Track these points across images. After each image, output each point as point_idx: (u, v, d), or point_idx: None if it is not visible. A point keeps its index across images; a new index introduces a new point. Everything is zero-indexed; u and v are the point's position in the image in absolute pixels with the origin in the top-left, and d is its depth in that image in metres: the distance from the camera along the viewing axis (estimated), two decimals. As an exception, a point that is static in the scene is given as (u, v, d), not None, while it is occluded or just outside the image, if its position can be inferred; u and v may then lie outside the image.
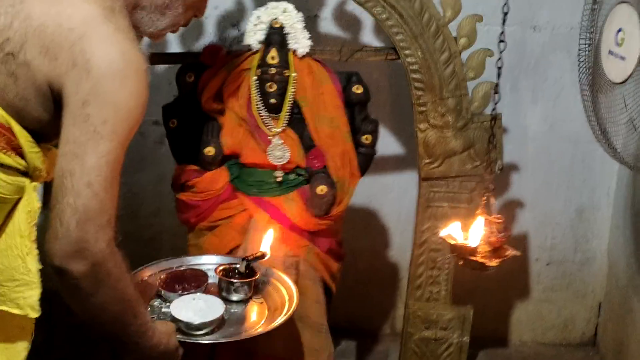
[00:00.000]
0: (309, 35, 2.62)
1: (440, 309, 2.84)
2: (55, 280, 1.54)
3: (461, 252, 2.40)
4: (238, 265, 2.12)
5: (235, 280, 2.08)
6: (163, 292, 2.06)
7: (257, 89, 2.59)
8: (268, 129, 2.60)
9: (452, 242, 2.40)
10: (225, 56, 2.65)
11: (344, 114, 2.65)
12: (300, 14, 2.62)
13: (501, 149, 2.71)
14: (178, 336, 1.83)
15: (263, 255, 2.17)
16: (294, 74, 2.59)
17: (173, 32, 1.97)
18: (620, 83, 2.18)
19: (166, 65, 3.04)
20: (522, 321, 3.58)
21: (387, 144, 3.27)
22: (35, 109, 1.59)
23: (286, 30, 2.58)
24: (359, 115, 2.68)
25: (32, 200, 1.66)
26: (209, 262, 2.27)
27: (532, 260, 3.50)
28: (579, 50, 2.45)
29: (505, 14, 2.52)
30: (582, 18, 2.44)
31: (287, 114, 2.61)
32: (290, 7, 2.61)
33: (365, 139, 2.68)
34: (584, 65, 2.44)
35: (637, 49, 2.08)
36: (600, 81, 2.31)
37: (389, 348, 3.44)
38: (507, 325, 3.58)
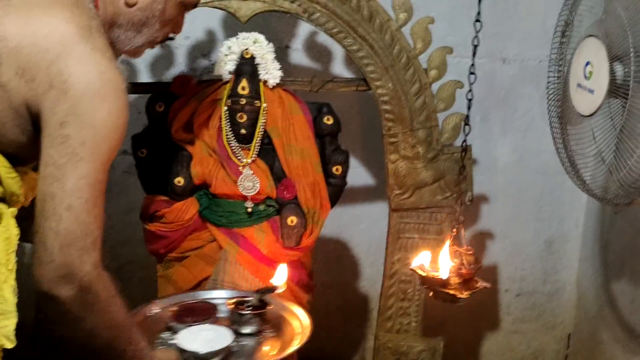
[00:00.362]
0: (280, 66, 2.63)
1: (410, 341, 2.83)
2: (44, 307, 1.51)
3: (432, 284, 2.39)
4: (250, 298, 2.09)
5: (245, 312, 2.05)
6: (172, 323, 2.03)
7: (228, 119, 2.58)
8: (238, 159, 2.59)
9: (423, 274, 2.40)
10: (196, 86, 2.64)
11: (315, 144, 2.64)
12: (271, 45, 2.62)
13: (471, 180, 2.72)
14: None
15: (275, 289, 2.15)
16: (264, 105, 2.58)
17: (150, 47, 1.95)
18: (589, 116, 2.20)
19: (136, 95, 3.02)
20: (492, 352, 3.58)
21: (358, 174, 3.27)
22: (12, 132, 1.56)
23: (257, 60, 2.58)
24: (329, 146, 2.68)
25: (10, 226, 1.63)
26: (222, 297, 2.25)
27: (502, 291, 3.51)
28: (548, 82, 2.47)
29: (475, 46, 2.54)
30: (550, 51, 2.46)
31: (258, 144, 2.60)
32: (261, 37, 2.61)
33: (336, 170, 2.68)
34: (553, 98, 2.46)
35: (605, 82, 2.10)
36: (569, 114, 2.33)
37: (359, 380, 3.42)
38: (477, 356, 3.58)
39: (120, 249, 3.41)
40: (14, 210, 1.65)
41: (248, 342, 2.02)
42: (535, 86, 3.26)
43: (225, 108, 2.58)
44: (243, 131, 2.57)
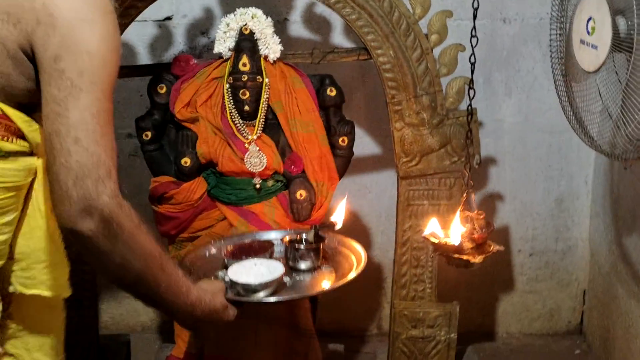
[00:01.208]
0: (280, 40, 2.61)
1: (426, 307, 2.83)
2: (74, 245, 1.49)
3: (445, 251, 2.39)
4: (306, 235, 2.06)
5: (300, 247, 2.02)
6: (227, 260, 2.01)
7: (230, 96, 2.57)
8: (244, 136, 2.58)
9: (435, 241, 2.39)
10: (196, 65, 2.63)
11: (319, 117, 2.64)
12: (270, 19, 2.61)
13: (478, 143, 2.71)
14: (228, 295, 1.78)
15: (333, 225, 2.12)
16: (266, 80, 2.57)
17: None
18: (594, 72, 2.18)
19: (136, 77, 3.00)
20: (508, 313, 3.58)
21: (364, 143, 3.26)
22: (19, 81, 1.53)
23: (256, 36, 2.57)
24: (334, 118, 2.67)
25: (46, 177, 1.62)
26: (279, 236, 2.22)
27: (514, 252, 3.50)
28: (550, 40, 2.45)
29: (476, 9, 2.52)
30: (551, 8, 2.44)
31: (262, 120, 2.59)
32: (259, 12, 2.59)
33: (342, 141, 2.67)
34: (556, 56, 2.44)
35: (608, 37, 2.08)
36: (574, 71, 2.31)
37: (376, 348, 3.43)
38: (493, 318, 3.58)
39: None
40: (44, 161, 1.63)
41: (304, 277, 1.99)
42: (537, 44, 3.23)
43: (228, 85, 2.57)
44: (247, 108, 2.56)
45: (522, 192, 3.44)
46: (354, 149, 2.74)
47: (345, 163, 2.70)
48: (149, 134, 2.65)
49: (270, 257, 2.06)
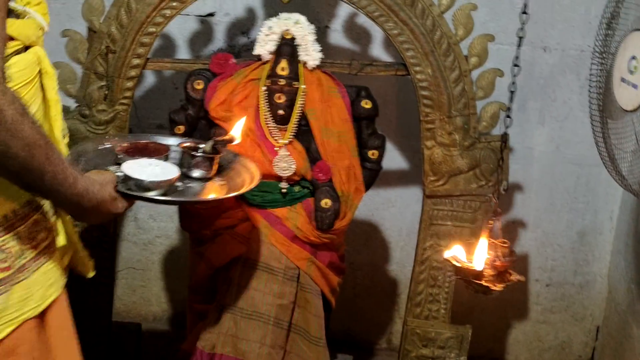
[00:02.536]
0: (320, 47, 2.62)
1: (438, 327, 2.83)
2: None
3: (465, 275, 2.39)
4: (204, 146, 2.00)
5: (197, 154, 1.96)
6: (121, 155, 1.92)
7: (266, 99, 2.58)
8: (275, 140, 2.59)
9: (457, 265, 2.39)
10: (235, 65, 2.64)
11: (352, 128, 2.64)
12: (312, 27, 2.61)
13: (507, 170, 2.70)
14: (119, 188, 1.72)
15: (232, 140, 2.07)
16: (303, 86, 2.58)
17: None
18: (631, 111, 2.17)
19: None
20: (519, 341, 3.57)
21: (392, 158, 3.26)
22: None
23: (297, 42, 2.58)
24: (366, 130, 2.67)
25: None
26: (175, 142, 2.13)
27: (532, 280, 3.49)
28: (590, 75, 2.44)
29: (521, 38, 2.52)
30: (595, 43, 2.43)
31: (295, 125, 2.60)
32: (303, 18, 2.60)
33: (372, 154, 2.67)
34: (594, 90, 2.43)
35: (650, 77, 2.07)
36: (611, 107, 2.30)
37: (384, 363, 3.44)
38: (503, 345, 3.57)
39: (151, 222, 3.45)
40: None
41: (195, 185, 1.94)
42: (576, 76, 3.22)
43: (264, 88, 2.58)
44: (281, 112, 2.57)
45: (546, 222, 3.43)
46: (382, 163, 2.74)
47: (372, 176, 2.70)
48: (182, 128, 2.66)
49: (165, 160, 1.98)
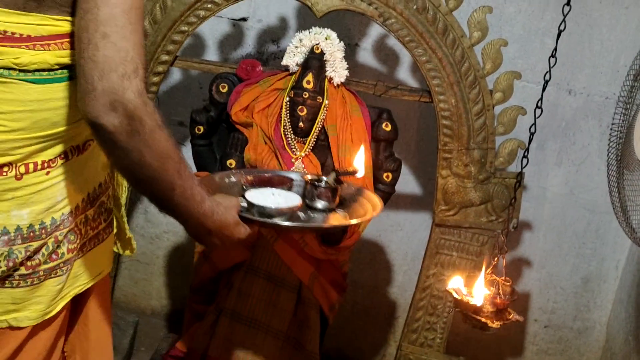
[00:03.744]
0: (347, 65, 2.64)
1: (432, 356, 2.83)
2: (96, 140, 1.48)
3: (465, 309, 2.39)
4: (327, 178, 2.02)
5: (319, 184, 1.98)
6: (246, 186, 1.97)
7: (288, 110, 2.60)
8: (292, 151, 2.61)
9: (457, 297, 2.40)
10: (261, 72, 2.66)
11: (369, 148, 2.65)
12: (342, 44, 2.63)
13: (519, 208, 2.71)
14: (242, 213, 1.73)
15: (355, 172, 2.09)
16: (326, 102, 2.60)
17: None
18: (649, 165, 2.18)
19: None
20: (511, 379, 3.57)
21: (406, 182, 3.27)
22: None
23: (326, 57, 2.60)
24: (383, 152, 2.69)
25: None
26: (299, 175, 2.15)
27: (531, 320, 3.48)
28: (612, 124, 2.45)
29: (547, 82, 2.53)
30: (620, 93, 2.44)
31: (314, 139, 2.62)
32: (333, 35, 2.62)
33: (386, 176, 2.69)
34: (614, 140, 2.44)
35: (671, 134, 2.08)
36: (629, 159, 2.31)
37: (375, 384, 3.44)
38: (496, 382, 3.57)
39: (161, 217, 3.46)
40: None
41: (318, 216, 1.96)
42: (598, 122, 3.23)
43: (288, 99, 2.60)
44: (301, 124, 2.59)
45: (551, 264, 3.42)
46: (396, 186, 2.74)
47: (384, 198, 2.71)
48: (202, 128, 2.68)
49: (288, 190, 2.01)
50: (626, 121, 2.41)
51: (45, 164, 1.55)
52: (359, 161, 2.14)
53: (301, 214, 1.91)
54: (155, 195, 1.54)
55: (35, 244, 1.56)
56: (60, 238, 1.60)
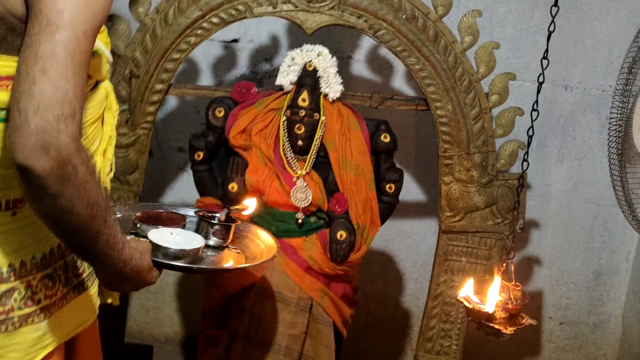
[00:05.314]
0: (341, 80, 2.63)
1: (449, 364, 2.83)
2: (21, 182, 1.37)
3: (477, 316, 2.38)
4: (218, 215, 2.00)
5: (215, 222, 1.96)
6: (139, 224, 1.90)
7: (286, 129, 2.60)
8: (293, 170, 2.61)
9: (469, 306, 2.39)
10: (256, 94, 2.66)
11: (370, 161, 2.65)
12: (334, 59, 2.63)
13: (524, 209, 2.70)
14: (154, 258, 1.69)
15: (244, 209, 2.08)
16: (323, 118, 2.60)
17: None
18: (650, 157, 2.17)
19: (196, 95, 3.05)
20: (530, 379, 3.55)
21: (410, 190, 3.26)
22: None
23: (319, 73, 2.59)
24: (384, 164, 2.69)
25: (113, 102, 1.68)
26: (189, 210, 2.13)
27: (545, 318, 3.47)
28: (610, 119, 2.45)
29: (540, 83, 2.53)
30: (615, 87, 2.44)
31: (313, 157, 2.61)
32: (325, 51, 2.62)
33: (389, 187, 2.68)
34: (614, 134, 2.44)
35: (670, 125, 2.07)
36: (630, 152, 2.30)
37: (394, 395, 3.43)
38: (515, 382, 3.56)
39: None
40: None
41: (213, 253, 1.94)
42: (596, 115, 3.22)
43: (284, 118, 2.60)
44: (300, 143, 2.59)
45: (561, 260, 3.42)
46: (400, 195, 2.74)
47: (389, 210, 2.71)
48: (201, 154, 2.68)
49: (183, 229, 1.97)
50: (624, 114, 2.41)
51: (11, 204, 1.51)
52: (251, 201, 2.13)
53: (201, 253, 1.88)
54: (78, 243, 1.47)
55: (3, 287, 1.52)
56: (34, 283, 1.56)
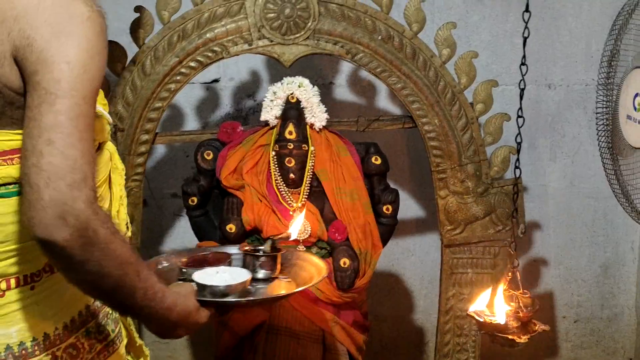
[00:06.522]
0: (326, 108, 2.63)
1: (469, 376, 2.81)
2: (47, 257, 1.41)
3: (490, 329, 2.37)
4: (263, 247, 1.96)
5: (260, 254, 1.92)
6: (185, 269, 1.88)
7: (276, 164, 2.60)
8: (288, 204, 2.60)
9: (480, 320, 2.38)
10: (242, 132, 2.66)
11: (364, 185, 2.64)
12: (316, 88, 2.63)
13: (523, 213, 2.70)
14: (202, 299, 1.68)
15: (288, 236, 2.05)
16: (312, 148, 2.59)
17: None
18: (641, 148, 2.17)
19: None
20: (552, 380, 3.53)
21: (407, 207, 3.26)
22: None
23: (303, 104, 2.59)
24: (378, 186, 2.68)
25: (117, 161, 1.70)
26: (232, 251, 2.08)
27: (559, 318, 3.46)
28: (597, 114, 2.45)
29: (522, 90, 2.53)
30: (598, 82, 2.44)
31: (307, 188, 2.61)
32: (306, 81, 2.62)
33: (386, 209, 2.68)
34: (602, 128, 2.44)
35: (656, 113, 2.07)
36: (620, 145, 2.30)
37: (418, 414, 3.40)
38: (537, 385, 3.53)
39: (174, 291, 3.43)
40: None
41: (263, 286, 1.89)
42: (583, 110, 3.23)
43: (274, 153, 2.59)
44: (292, 176, 2.58)
45: (567, 258, 3.41)
46: (400, 213, 2.73)
47: (389, 231, 2.70)
48: (195, 199, 2.68)
49: (229, 265, 1.95)
50: (609, 107, 2.41)
51: (29, 279, 1.52)
52: (294, 227, 2.10)
53: (250, 287, 1.85)
54: (118, 302, 1.49)
55: None
56: (58, 354, 1.56)
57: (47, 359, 1.54)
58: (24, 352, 1.52)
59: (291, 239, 2.07)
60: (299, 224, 2.17)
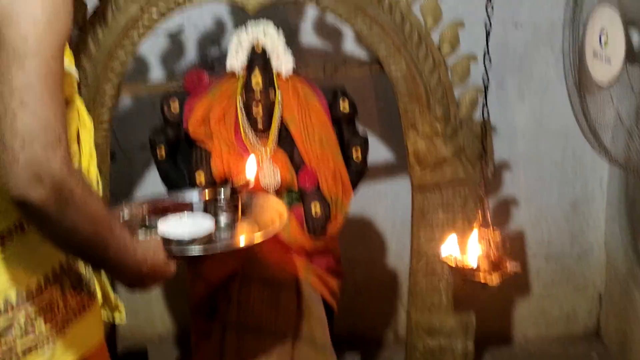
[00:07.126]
0: (292, 56, 2.60)
1: (442, 317, 2.83)
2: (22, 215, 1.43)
3: (462, 274, 2.39)
4: (223, 192, 1.96)
5: (221, 198, 1.93)
6: (147, 218, 1.91)
7: (244, 113, 2.57)
8: (258, 151, 2.58)
9: (452, 265, 2.40)
10: (208, 81, 2.63)
11: (332, 131, 2.63)
12: (282, 35, 2.60)
13: (492, 154, 2.70)
14: (169, 249, 1.70)
15: (247, 184, 2.06)
16: (279, 97, 2.57)
17: None
18: (607, 85, 2.17)
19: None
20: (524, 318, 3.57)
21: (378, 150, 3.25)
22: None
23: (268, 52, 2.57)
24: (347, 131, 2.67)
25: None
26: (193, 195, 2.08)
27: (530, 256, 3.49)
28: (563, 52, 2.44)
29: (488, 32, 2.51)
30: (563, 21, 2.43)
31: (276, 135, 2.59)
32: (271, 29, 2.58)
33: (356, 155, 2.67)
34: (568, 67, 2.43)
35: (622, 50, 2.07)
36: (587, 82, 2.30)
37: (393, 355, 3.44)
38: (510, 323, 3.58)
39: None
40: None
41: (226, 231, 1.92)
42: (550, 49, 3.21)
43: (241, 102, 2.57)
44: (260, 124, 2.56)
45: (537, 197, 3.43)
46: (370, 157, 2.73)
47: (359, 176, 2.70)
48: (162, 147, 2.65)
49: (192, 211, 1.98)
50: (575, 44, 2.40)
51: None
52: (250, 171, 2.12)
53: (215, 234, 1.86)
54: (90, 257, 1.52)
55: (2, 321, 1.52)
56: (32, 313, 1.56)
57: (22, 318, 1.54)
58: None
59: (250, 186, 2.06)
60: (253, 167, 2.15)
